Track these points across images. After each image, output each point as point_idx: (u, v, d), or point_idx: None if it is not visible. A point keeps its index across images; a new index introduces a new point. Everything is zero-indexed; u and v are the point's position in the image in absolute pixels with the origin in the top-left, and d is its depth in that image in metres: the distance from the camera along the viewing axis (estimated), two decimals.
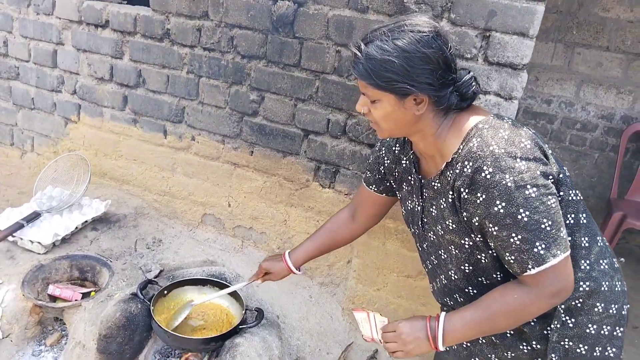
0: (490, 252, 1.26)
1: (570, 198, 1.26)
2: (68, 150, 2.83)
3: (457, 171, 1.20)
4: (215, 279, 2.11)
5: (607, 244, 1.38)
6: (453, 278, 1.38)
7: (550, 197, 1.13)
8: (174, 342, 1.82)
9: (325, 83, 2.16)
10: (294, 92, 2.22)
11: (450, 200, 1.25)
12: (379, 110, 1.24)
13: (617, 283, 1.32)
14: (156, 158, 2.62)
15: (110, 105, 2.65)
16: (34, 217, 2.34)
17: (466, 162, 1.17)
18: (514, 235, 1.13)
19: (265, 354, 1.84)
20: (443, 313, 1.28)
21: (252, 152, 2.38)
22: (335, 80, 2.14)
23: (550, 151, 1.24)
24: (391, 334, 1.32)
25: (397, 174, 1.48)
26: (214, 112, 2.40)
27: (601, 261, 1.31)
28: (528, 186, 1.11)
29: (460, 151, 1.21)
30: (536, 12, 1.72)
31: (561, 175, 1.24)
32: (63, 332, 2.11)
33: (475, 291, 1.35)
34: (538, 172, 1.12)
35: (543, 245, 1.12)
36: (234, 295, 2.03)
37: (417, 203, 1.40)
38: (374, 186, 1.61)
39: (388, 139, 1.50)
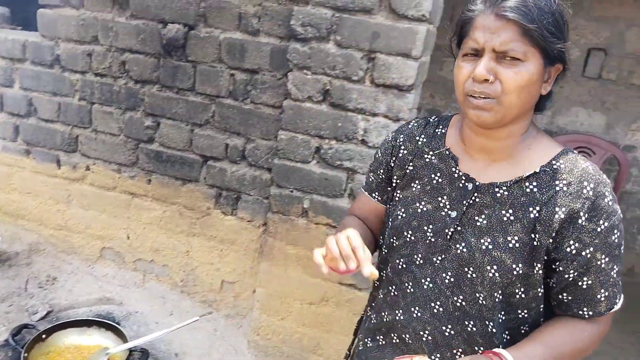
0: (536, 290, 1.06)
1: None
2: None
3: (560, 189, 1.01)
4: (101, 319, 1.96)
5: None
6: (450, 309, 1.12)
7: None
8: None
9: (221, 107, 2.09)
10: (190, 117, 2.14)
11: (531, 216, 1.03)
12: (522, 76, 0.96)
13: None
14: (50, 190, 2.46)
15: (1, 136, 2.49)
16: None
17: (585, 184, 0.99)
18: (615, 267, 1.03)
19: None
20: (503, 350, 1.03)
21: (150, 180, 2.27)
22: (231, 104, 2.08)
23: None
24: None
25: (410, 168, 1.19)
26: (109, 139, 2.29)
27: None
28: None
29: (557, 167, 1.03)
30: (418, 33, 1.73)
31: None
32: None
33: (475, 327, 1.12)
34: None
35: (620, 278, 1.06)
36: (121, 336, 1.90)
37: (449, 207, 1.11)
38: (376, 194, 1.27)
39: (412, 127, 1.22)
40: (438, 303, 1.12)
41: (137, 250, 2.39)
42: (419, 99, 2.11)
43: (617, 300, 1.05)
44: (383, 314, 1.22)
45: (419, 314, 1.14)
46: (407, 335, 1.17)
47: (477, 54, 0.98)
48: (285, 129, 1.95)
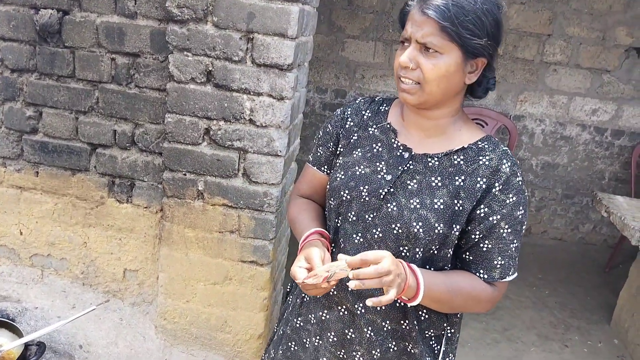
0: (450, 250, 1.19)
1: None
2: None
3: (483, 163, 1.17)
4: None
5: None
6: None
7: None
8: None
9: (105, 93, 2.04)
10: (73, 105, 2.07)
11: (456, 183, 1.17)
12: (437, 66, 1.09)
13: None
14: None
15: None
16: None
17: (504, 161, 1.16)
18: (515, 241, 1.18)
19: None
20: (416, 267, 1.12)
21: (38, 172, 2.19)
22: (115, 89, 2.03)
23: None
24: (379, 267, 1.01)
25: (355, 138, 1.30)
26: None
27: None
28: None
29: (482, 147, 1.20)
30: (291, 13, 1.75)
31: None
32: None
33: None
34: None
35: (517, 256, 1.21)
36: (16, 331, 1.85)
37: (385, 171, 1.23)
38: (326, 167, 1.37)
39: (359, 103, 1.35)
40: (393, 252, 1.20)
41: (32, 245, 2.31)
42: (305, 78, 2.16)
43: (511, 272, 1.19)
44: None
45: None
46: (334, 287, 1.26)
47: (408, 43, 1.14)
48: (172, 111, 1.94)
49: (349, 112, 1.35)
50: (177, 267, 2.14)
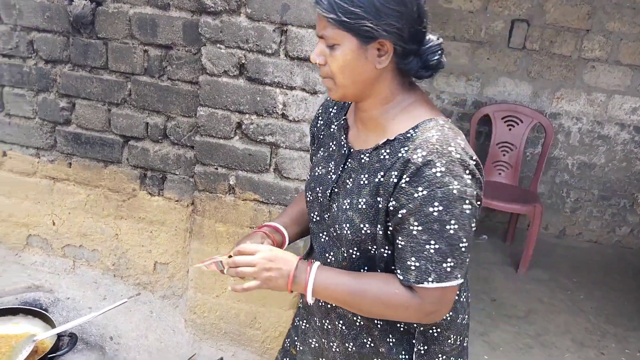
0: (383, 249, 1.14)
1: None
2: None
3: (401, 155, 1.07)
4: (28, 307, 1.92)
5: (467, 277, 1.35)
6: (340, 259, 1.23)
7: (474, 220, 1.07)
8: None
9: (138, 85, 2.04)
10: (106, 96, 2.08)
11: (376, 180, 1.11)
12: (337, 58, 1.06)
13: (466, 317, 1.30)
14: None
15: None
16: None
17: (419, 150, 1.04)
18: (432, 242, 1.04)
19: None
20: (317, 262, 1.14)
21: (71, 163, 2.20)
22: (147, 82, 2.03)
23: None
24: (248, 257, 1.11)
25: (321, 137, 1.31)
26: (23, 123, 2.20)
27: (463, 293, 1.28)
28: (467, 201, 1.03)
29: (410, 135, 1.08)
30: None
31: None
32: None
33: None
34: (475, 192, 1.06)
35: (452, 264, 1.05)
36: (49, 322, 1.86)
37: (333, 171, 1.22)
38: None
39: (327, 100, 1.33)
40: (331, 254, 1.24)
41: (64, 236, 2.33)
42: None
43: (431, 279, 1.05)
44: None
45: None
46: None
47: None
48: (204, 105, 1.92)
49: (320, 111, 1.34)
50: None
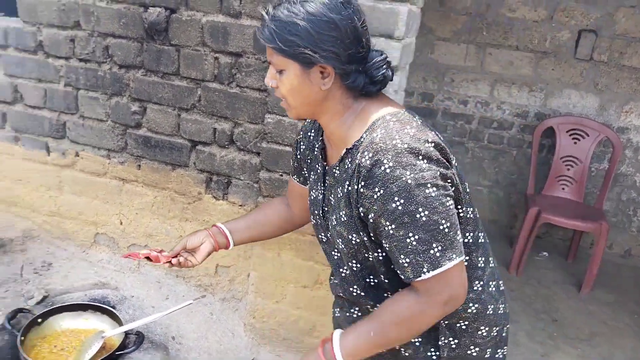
0: (377, 253, 1.18)
1: (469, 215, 1.20)
2: None
3: (357, 161, 1.11)
4: (97, 303, 1.98)
5: (495, 264, 1.34)
6: (347, 273, 1.29)
7: (449, 199, 1.08)
8: None
9: (207, 91, 2.07)
10: (177, 102, 2.12)
11: (345, 191, 1.16)
12: (285, 82, 1.14)
13: (500, 306, 1.29)
14: (41, 177, 2.46)
15: None
16: None
17: (365, 153, 1.08)
18: (410, 235, 1.06)
19: None
20: (337, 331, 1.20)
21: (140, 165, 2.27)
22: (217, 88, 2.06)
23: (455, 162, 1.18)
24: None
25: (309, 161, 1.38)
26: (96, 125, 2.28)
27: (491, 283, 1.27)
28: (428, 185, 1.05)
29: (362, 140, 1.13)
30: (400, 13, 1.69)
31: (462, 188, 1.18)
32: None
33: (362, 291, 1.28)
34: (438, 173, 1.06)
35: (440, 247, 1.06)
36: (116, 319, 1.91)
37: (320, 191, 1.30)
38: (295, 176, 1.48)
39: (307, 124, 1.41)
40: (344, 268, 1.30)
41: (130, 235, 2.39)
42: (405, 80, 2.09)
43: (425, 269, 1.07)
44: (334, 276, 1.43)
45: (337, 280, 1.35)
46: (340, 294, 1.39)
47: None
48: (272, 112, 1.93)
49: (300, 137, 1.41)
50: (268, 267, 2.13)
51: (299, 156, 1.42)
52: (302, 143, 1.40)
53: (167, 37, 2.04)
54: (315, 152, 1.33)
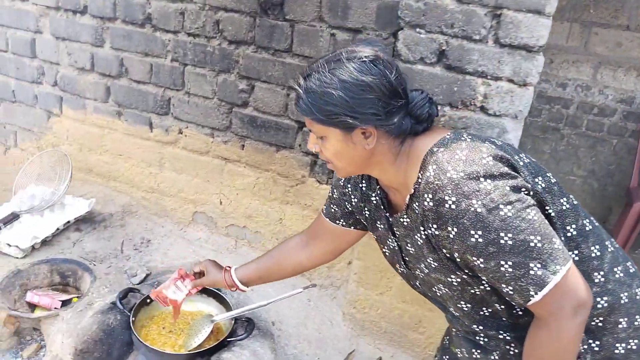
0: (483, 285, 1.13)
1: (563, 207, 1.13)
2: (52, 145, 2.68)
3: (424, 205, 1.07)
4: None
5: (618, 247, 1.23)
6: (457, 314, 1.26)
7: (529, 210, 1.01)
8: (154, 356, 1.67)
9: None
10: (286, 81, 2.03)
11: (424, 236, 1.13)
12: (328, 147, 1.14)
13: (636, 290, 1.18)
14: (143, 153, 2.45)
15: (93, 97, 2.48)
16: (11, 218, 2.19)
17: (426, 195, 1.05)
18: (502, 263, 1.00)
19: None
20: None
21: (244, 145, 2.21)
22: None
23: (523, 161, 1.12)
24: None
25: (367, 212, 1.34)
26: (202, 103, 2.23)
27: (615, 269, 1.17)
28: (500, 206, 0.99)
29: (420, 181, 1.09)
30: None
31: (543, 185, 1.11)
32: (42, 343, 1.97)
33: (480, 325, 1.23)
34: (507, 188, 1.00)
35: (539, 265, 0.99)
36: (223, 302, 1.87)
37: (394, 242, 1.28)
38: (342, 221, 1.44)
39: (354, 177, 1.37)
40: (451, 309, 1.27)
41: (229, 215, 2.35)
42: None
43: (532, 293, 1.00)
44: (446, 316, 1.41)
45: (448, 316, 1.34)
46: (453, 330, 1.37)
47: None
48: None
49: (349, 189, 1.37)
50: (374, 256, 2.03)
51: (350, 208, 1.40)
52: (353, 197, 1.37)
53: (282, 12, 1.94)
54: (374, 202, 1.30)
